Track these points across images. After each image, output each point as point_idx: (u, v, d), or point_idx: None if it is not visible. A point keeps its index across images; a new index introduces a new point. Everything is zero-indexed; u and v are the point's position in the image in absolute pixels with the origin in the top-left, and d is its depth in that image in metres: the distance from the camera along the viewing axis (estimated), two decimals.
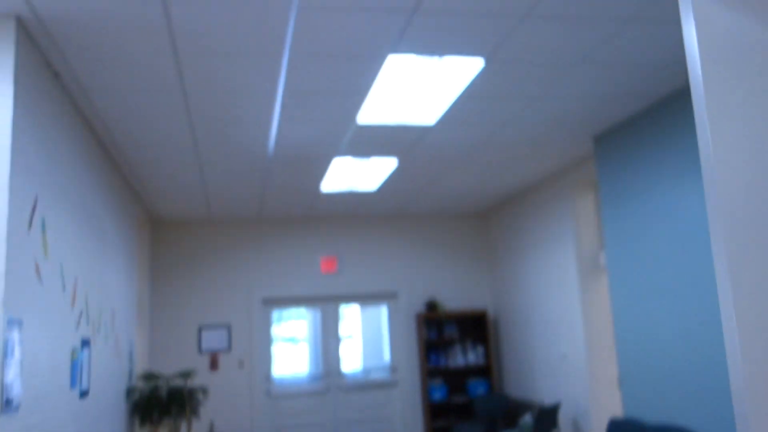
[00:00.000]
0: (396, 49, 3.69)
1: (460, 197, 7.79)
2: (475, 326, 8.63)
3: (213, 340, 7.98)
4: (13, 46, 3.03)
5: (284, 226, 8.40)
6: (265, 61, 3.74)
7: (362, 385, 8.43)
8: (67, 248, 3.98)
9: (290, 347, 8.44)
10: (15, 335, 3.01)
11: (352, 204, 7.81)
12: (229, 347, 8.00)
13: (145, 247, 7.42)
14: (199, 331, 7.95)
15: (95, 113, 4.39)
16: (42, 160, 3.48)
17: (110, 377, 5.33)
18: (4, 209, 2.95)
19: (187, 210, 7.58)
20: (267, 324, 8.24)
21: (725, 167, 1.65)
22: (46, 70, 3.56)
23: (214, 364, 7.92)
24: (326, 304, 8.49)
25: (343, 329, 8.55)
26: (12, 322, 2.98)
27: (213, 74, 3.87)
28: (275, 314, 8.37)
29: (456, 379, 8.55)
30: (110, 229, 5.34)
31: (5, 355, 2.87)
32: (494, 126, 5.14)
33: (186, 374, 6.70)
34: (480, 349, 8.44)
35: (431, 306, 8.47)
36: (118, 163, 5.55)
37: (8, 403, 2.91)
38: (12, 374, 2.96)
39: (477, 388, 8.36)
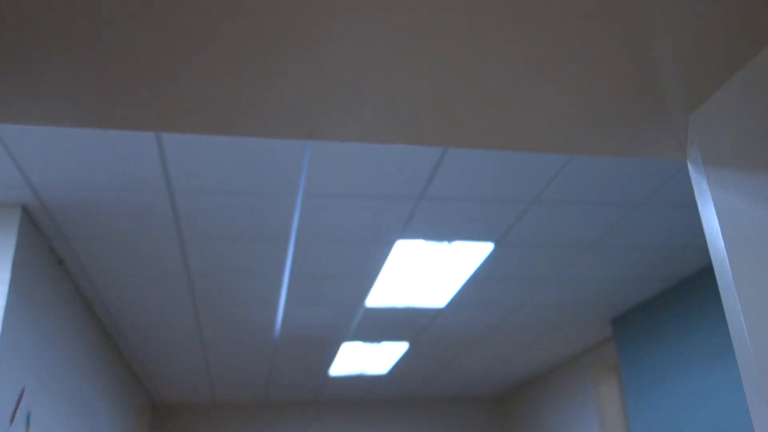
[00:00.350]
0: (404, 235, 3.64)
1: (475, 380, 7.45)
2: None
3: None
4: (16, 234, 3.00)
5: (291, 411, 8.00)
6: (272, 246, 3.69)
7: None
8: None
9: None
10: None
11: (361, 387, 7.48)
12: None
13: None
14: None
15: (97, 297, 4.30)
16: (35, 348, 3.33)
17: None
18: None
19: (190, 394, 7.27)
20: None
21: (762, 352, 1.49)
22: (50, 257, 3.52)
23: None
24: None
25: None
26: None
27: (218, 258, 3.82)
28: None
29: None
30: (105, 417, 5.06)
31: None
32: (507, 308, 4.99)
33: None
34: None
35: None
36: (119, 346, 5.39)
37: None
38: None
39: None
